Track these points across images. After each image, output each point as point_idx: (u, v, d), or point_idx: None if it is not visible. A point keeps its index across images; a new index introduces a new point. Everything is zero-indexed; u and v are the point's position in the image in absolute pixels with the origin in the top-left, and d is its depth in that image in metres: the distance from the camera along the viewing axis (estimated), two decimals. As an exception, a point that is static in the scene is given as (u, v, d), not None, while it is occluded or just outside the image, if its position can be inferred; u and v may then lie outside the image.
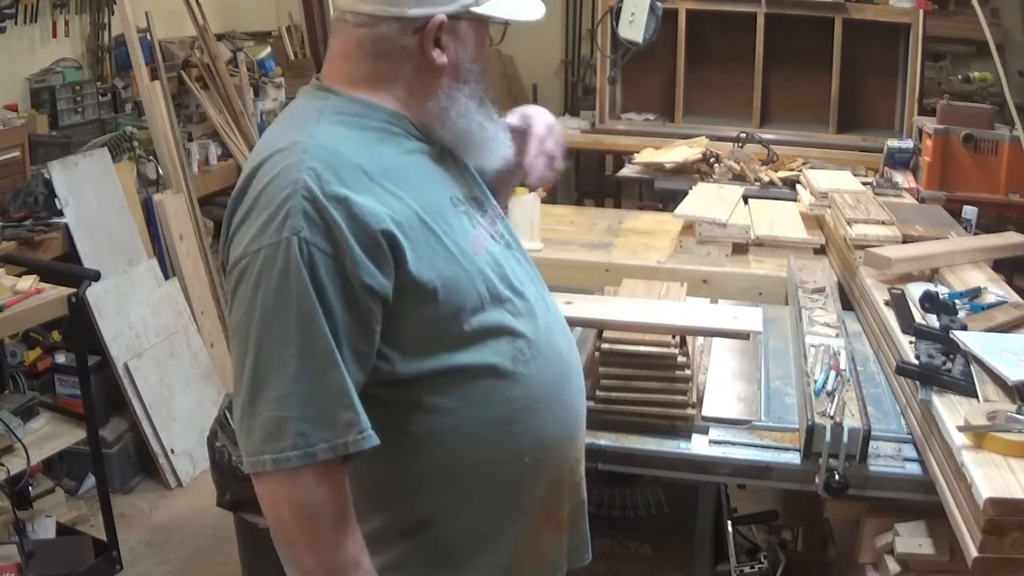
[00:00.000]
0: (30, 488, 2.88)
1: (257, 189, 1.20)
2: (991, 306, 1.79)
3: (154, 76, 3.94)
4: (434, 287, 1.23)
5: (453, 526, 1.33)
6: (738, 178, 3.39)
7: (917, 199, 3.05)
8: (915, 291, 1.86)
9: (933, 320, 1.74)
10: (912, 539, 1.57)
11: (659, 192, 3.68)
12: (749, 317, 1.79)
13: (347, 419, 1.17)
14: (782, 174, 3.41)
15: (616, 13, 3.92)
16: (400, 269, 1.21)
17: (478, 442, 1.30)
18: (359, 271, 1.17)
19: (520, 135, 1.54)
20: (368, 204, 1.19)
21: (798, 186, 3.04)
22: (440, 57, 1.29)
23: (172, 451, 3.45)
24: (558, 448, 1.38)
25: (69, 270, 3.03)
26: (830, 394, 1.64)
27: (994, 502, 1.21)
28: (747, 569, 1.94)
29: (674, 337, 1.72)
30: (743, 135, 3.77)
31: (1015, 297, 1.86)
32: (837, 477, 1.56)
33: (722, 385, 1.87)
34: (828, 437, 1.56)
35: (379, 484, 1.31)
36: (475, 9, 1.29)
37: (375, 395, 1.24)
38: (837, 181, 2.83)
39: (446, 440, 1.29)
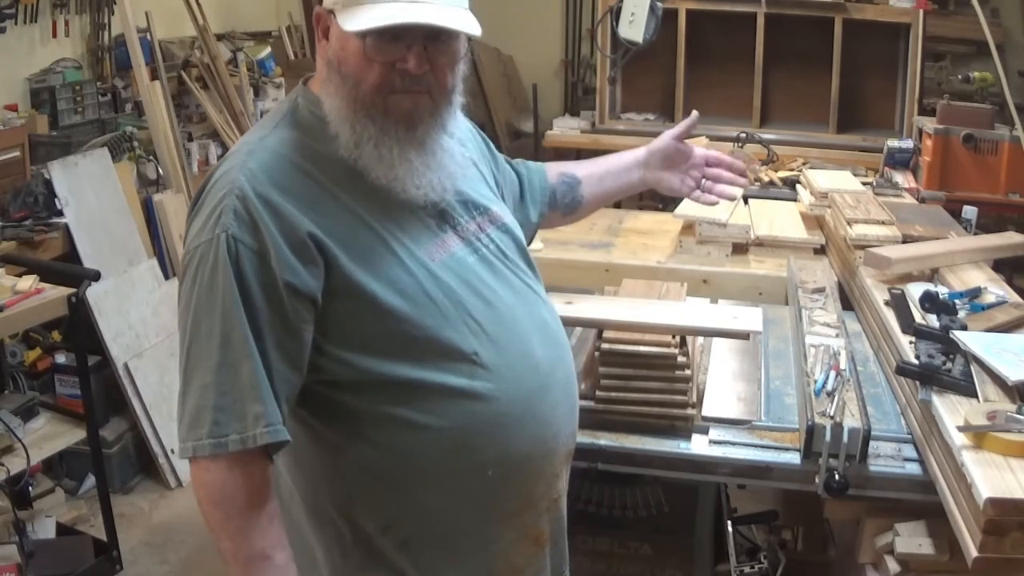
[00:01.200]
0: (30, 488, 2.89)
1: (206, 190, 1.27)
2: (991, 306, 1.79)
3: (154, 76, 3.95)
4: (371, 289, 1.24)
5: (417, 533, 1.33)
6: (738, 178, 3.39)
7: (917, 199, 3.05)
8: (915, 291, 1.86)
9: (933, 320, 1.73)
10: (912, 539, 1.57)
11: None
12: (749, 317, 1.78)
13: (256, 412, 1.19)
14: (782, 174, 3.40)
15: (616, 13, 3.92)
16: (331, 270, 1.23)
17: (439, 453, 1.29)
18: (282, 269, 1.20)
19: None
20: (296, 207, 1.22)
21: (798, 186, 3.04)
22: (324, 48, 1.30)
23: (172, 451, 3.45)
24: (528, 463, 1.36)
25: (69, 270, 3.03)
26: (830, 394, 1.64)
27: (994, 502, 1.21)
28: (747, 569, 1.93)
29: (674, 337, 1.72)
30: (743, 135, 3.76)
31: (1015, 297, 1.86)
32: (837, 477, 1.55)
33: (722, 385, 1.87)
34: (828, 437, 1.56)
35: (347, 489, 1.32)
36: (337, 13, 1.25)
37: (340, 401, 1.27)
38: (837, 181, 2.82)
39: (408, 450, 1.29)
